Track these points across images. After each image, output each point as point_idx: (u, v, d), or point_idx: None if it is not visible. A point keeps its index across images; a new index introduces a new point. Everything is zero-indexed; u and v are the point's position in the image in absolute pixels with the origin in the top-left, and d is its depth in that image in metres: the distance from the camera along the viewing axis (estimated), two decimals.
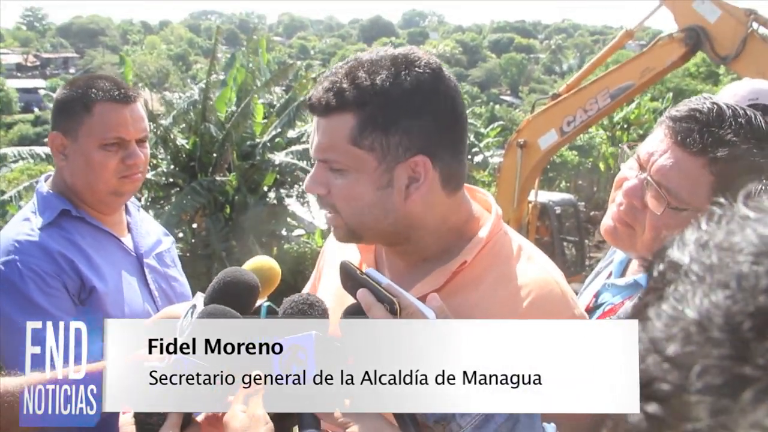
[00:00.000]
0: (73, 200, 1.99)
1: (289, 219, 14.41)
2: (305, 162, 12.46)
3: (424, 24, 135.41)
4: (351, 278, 1.17)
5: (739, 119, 1.28)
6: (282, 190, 13.93)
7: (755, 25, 7.89)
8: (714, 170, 1.28)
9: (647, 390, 0.39)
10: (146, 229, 2.16)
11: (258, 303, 1.51)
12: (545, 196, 13.77)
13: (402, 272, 1.32)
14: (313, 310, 1.17)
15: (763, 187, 1.20)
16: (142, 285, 2.03)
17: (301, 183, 13.46)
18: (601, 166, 25.81)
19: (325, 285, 1.51)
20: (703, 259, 0.43)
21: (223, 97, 13.44)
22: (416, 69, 1.19)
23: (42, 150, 11.83)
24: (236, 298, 1.36)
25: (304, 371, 1.08)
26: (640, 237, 1.40)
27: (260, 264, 1.46)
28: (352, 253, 1.44)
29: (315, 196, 1.32)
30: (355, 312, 1.17)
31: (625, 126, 24.49)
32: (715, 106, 1.31)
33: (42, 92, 19.19)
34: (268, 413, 1.09)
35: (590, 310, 1.59)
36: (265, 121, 13.96)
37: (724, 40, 8.00)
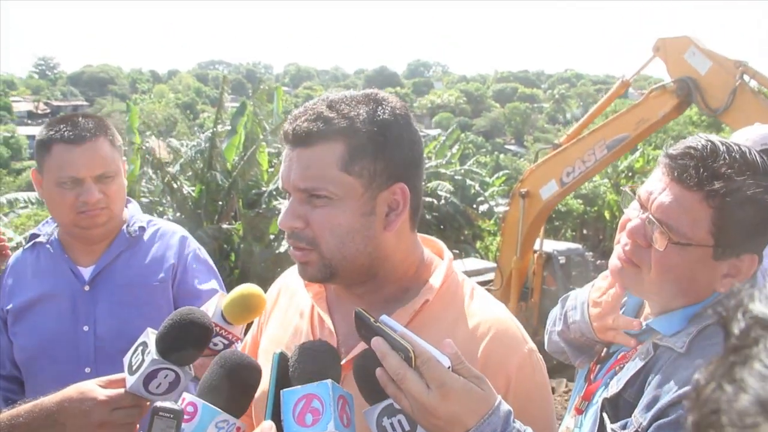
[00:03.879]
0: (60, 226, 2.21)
1: None
2: None
3: (429, 74, 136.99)
4: (365, 326, 1.16)
5: (734, 153, 1.31)
6: (286, 240, 13.96)
7: (745, 77, 7.87)
8: (712, 203, 1.29)
9: None
10: (136, 263, 2.19)
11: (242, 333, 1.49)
12: (551, 246, 13.71)
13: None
14: (326, 355, 1.18)
15: None
16: (73, 308, 2.12)
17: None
18: (606, 214, 25.80)
19: (271, 331, 1.51)
20: None
21: (232, 145, 13.56)
22: (388, 105, 1.27)
23: None
24: (189, 337, 1.36)
25: (321, 420, 1.08)
26: (647, 276, 1.41)
27: (248, 292, 1.46)
28: (302, 298, 1.47)
29: (286, 235, 1.33)
30: (368, 356, 1.17)
31: (630, 174, 24.52)
32: (709, 142, 1.34)
33: None
34: None
35: (603, 360, 1.59)
36: (272, 169, 14.08)
37: (715, 91, 8.01)
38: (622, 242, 1.47)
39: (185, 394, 1.23)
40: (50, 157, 2.06)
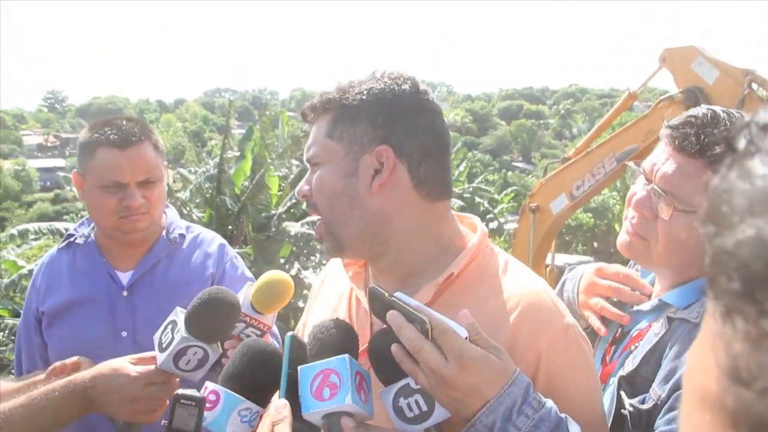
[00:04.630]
0: (99, 229, 2.19)
1: (305, 291, 14.36)
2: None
3: (434, 94, 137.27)
4: (379, 301, 1.15)
5: (734, 120, 1.32)
6: (297, 263, 13.95)
7: (754, 85, 7.77)
8: (715, 169, 1.29)
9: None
10: (176, 270, 2.18)
11: (272, 318, 1.54)
12: (563, 260, 13.66)
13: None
14: (343, 333, 1.17)
15: None
16: (112, 313, 2.10)
17: (317, 254, 13.52)
18: (617, 227, 25.70)
19: (315, 315, 1.53)
20: None
21: (240, 170, 13.63)
22: (389, 75, 1.32)
23: (62, 225, 12.00)
24: (216, 315, 1.41)
25: (338, 393, 1.07)
26: (655, 248, 1.43)
27: (275, 278, 1.49)
28: (343, 280, 1.47)
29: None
30: (383, 336, 1.17)
31: None
32: (710, 110, 1.36)
33: (61, 173, 19.49)
34: None
35: (618, 340, 1.58)
36: (280, 192, 14.12)
37: (723, 100, 7.76)
38: (629, 216, 1.49)
39: (208, 383, 1.23)
40: (94, 159, 2.05)
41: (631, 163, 1.53)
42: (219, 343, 1.49)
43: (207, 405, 1.18)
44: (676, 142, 1.37)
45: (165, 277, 2.17)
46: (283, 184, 14.37)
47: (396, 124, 1.28)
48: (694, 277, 1.41)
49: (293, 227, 13.11)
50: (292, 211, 13.67)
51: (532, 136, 75.21)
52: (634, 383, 1.40)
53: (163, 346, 1.46)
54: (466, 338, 1.09)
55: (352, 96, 1.30)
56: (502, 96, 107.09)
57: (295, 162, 16.42)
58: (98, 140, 2.05)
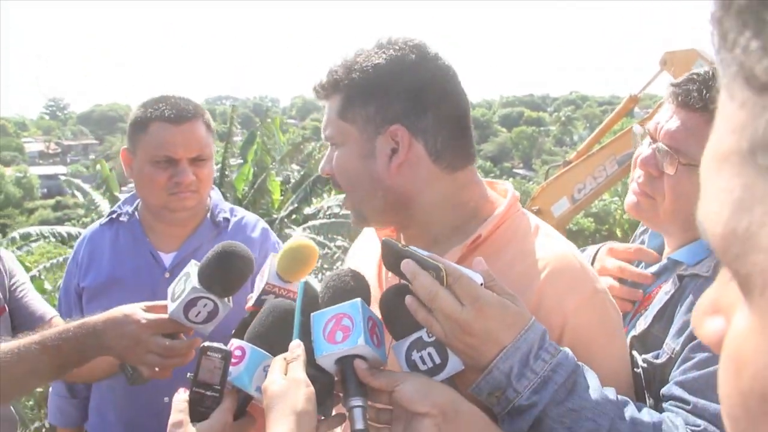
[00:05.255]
0: (144, 208, 2.19)
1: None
2: (322, 237, 12.53)
3: None
4: (393, 252, 1.14)
5: None
6: None
7: None
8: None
9: None
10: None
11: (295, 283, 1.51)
12: None
13: None
14: (355, 280, 1.17)
15: None
16: (152, 294, 2.04)
17: (318, 259, 13.48)
18: (618, 232, 25.69)
19: None
20: None
21: (242, 174, 13.65)
22: (393, 46, 1.28)
23: (64, 230, 12.00)
24: (228, 268, 1.43)
25: (351, 336, 1.07)
26: (662, 206, 1.43)
27: (298, 243, 1.50)
28: (372, 250, 1.46)
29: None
30: (395, 291, 1.16)
31: None
32: (712, 67, 1.36)
33: (63, 178, 19.52)
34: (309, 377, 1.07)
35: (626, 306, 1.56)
36: (282, 197, 14.13)
37: None
38: (635, 177, 1.49)
39: (234, 339, 1.24)
40: (147, 135, 2.03)
41: (636, 125, 1.53)
42: (230, 299, 1.49)
43: (233, 360, 1.18)
44: (680, 99, 1.37)
45: None
46: (284, 189, 14.39)
47: (407, 100, 1.25)
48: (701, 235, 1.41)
49: (295, 231, 13.11)
50: (294, 216, 13.68)
51: (533, 142, 75.20)
52: (646, 342, 1.39)
53: (175, 296, 1.48)
54: (482, 285, 1.08)
55: (358, 75, 1.26)
56: (502, 103, 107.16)
57: (295, 167, 16.42)
58: (152, 115, 2.03)
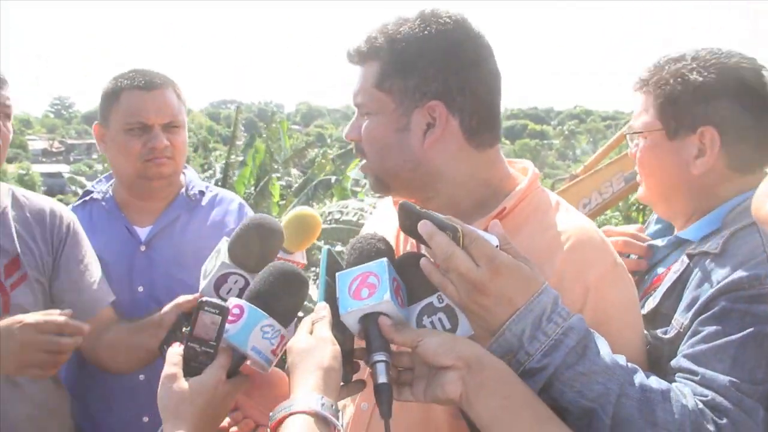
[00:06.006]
0: (119, 183, 2.19)
1: (306, 302, 14.27)
2: (322, 242, 12.48)
3: None
4: (411, 214, 1.13)
5: (672, 56, 1.46)
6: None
7: None
8: (648, 90, 1.46)
9: None
10: (195, 226, 2.16)
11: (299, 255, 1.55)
12: None
13: None
14: (380, 243, 1.17)
15: None
16: (129, 268, 2.08)
17: (317, 266, 13.46)
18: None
19: None
20: None
21: (243, 176, 13.63)
22: (438, 20, 1.26)
23: None
24: (257, 241, 1.39)
25: (377, 292, 1.08)
26: (648, 189, 1.55)
27: (302, 212, 1.49)
28: (390, 221, 1.44)
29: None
30: (408, 256, 1.18)
31: (641, 207, 24.52)
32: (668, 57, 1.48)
33: (66, 175, 19.52)
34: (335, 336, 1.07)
35: (637, 285, 1.55)
36: (283, 201, 14.10)
37: None
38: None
39: (231, 298, 1.22)
40: (118, 104, 2.06)
41: (628, 136, 1.59)
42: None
43: (230, 318, 1.16)
44: (636, 87, 1.50)
45: (184, 233, 2.15)
46: (285, 193, 14.36)
47: (448, 77, 1.26)
48: (689, 209, 1.47)
49: None
50: None
51: (536, 156, 75.37)
52: (656, 320, 1.40)
53: (207, 273, 1.44)
54: (497, 247, 1.08)
55: (401, 46, 1.25)
56: (506, 115, 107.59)
57: (296, 172, 16.43)
58: (123, 84, 2.06)
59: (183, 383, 1.11)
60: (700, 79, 1.37)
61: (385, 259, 1.12)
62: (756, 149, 1.40)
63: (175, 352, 1.16)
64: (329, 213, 14.18)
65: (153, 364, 1.87)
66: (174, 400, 1.10)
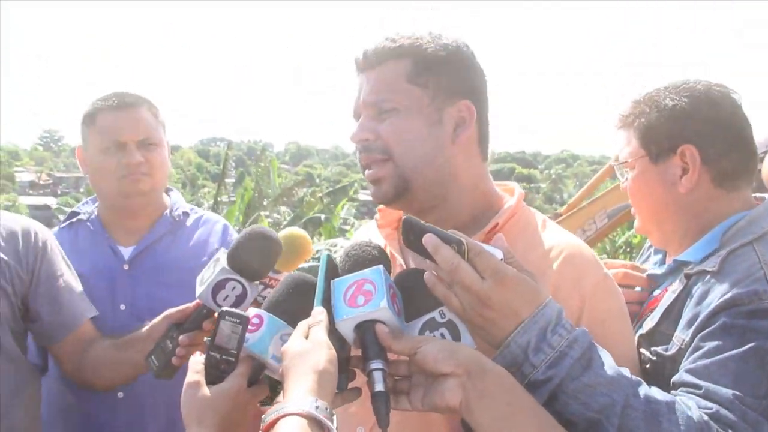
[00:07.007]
0: (102, 203, 2.22)
1: None
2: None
3: None
4: (415, 228, 1.13)
5: (649, 94, 1.52)
6: None
7: None
8: (630, 123, 1.52)
9: None
10: (179, 246, 2.18)
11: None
12: None
13: None
14: (375, 251, 1.18)
15: None
16: (111, 286, 2.09)
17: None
18: None
19: None
20: None
21: (231, 214, 13.64)
22: (450, 35, 1.35)
23: None
24: (256, 249, 1.42)
25: (373, 299, 1.06)
26: (642, 218, 1.58)
27: (292, 233, 1.51)
28: (375, 240, 1.44)
29: (359, 153, 1.37)
30: (409, 272, 1.19)
31: (628, 249, 24.59)
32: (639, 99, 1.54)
33: (54, 207, 19.34)
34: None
35: (636, 312, 1.58)
36: None
37: None
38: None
39: (251, 308, 1.25)
40: (94, 126, 2.10)
41: (615, 166, 1.64)
42: (257, 283, 1.48)
43: (250, 327, 1.18)
44: (619, 125, 1.56)
45: (167, 253, 2.16)
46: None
47: (473, 81, 1.35)
48: (684, 231, 1.49)
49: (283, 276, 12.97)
50: None
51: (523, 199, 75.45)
52: (654, 339, 1.41)
53: (204, 279, 1.46)
54: (501, 260, 1.09)
55: (431, 46, 1.32)
56: (494, 159, 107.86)
57: (285, 210, 16.45)
58: (98, 106, 2.11)
59: (206, 390, 1.14)
60: (672, 102, 1.44)
61: (381, 266, 1.11)
62: (737, 162, 1.45)
63: (198, 360, 1.19)
64: (318, 251, 14.20)
65: (132, 383, 1.93)
66: (197, 407, 1.13)
